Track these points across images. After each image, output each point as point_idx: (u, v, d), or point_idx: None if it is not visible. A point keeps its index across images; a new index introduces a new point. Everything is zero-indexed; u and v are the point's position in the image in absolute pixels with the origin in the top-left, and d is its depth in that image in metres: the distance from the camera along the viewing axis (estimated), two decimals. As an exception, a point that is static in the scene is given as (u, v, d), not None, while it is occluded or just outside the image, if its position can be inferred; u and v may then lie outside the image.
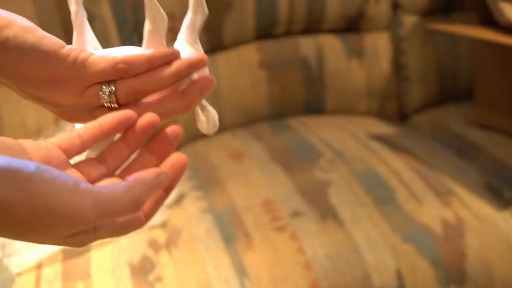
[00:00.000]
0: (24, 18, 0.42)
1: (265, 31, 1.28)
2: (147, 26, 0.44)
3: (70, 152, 0.40)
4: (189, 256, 0.90)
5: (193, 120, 1.24)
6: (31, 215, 0.32)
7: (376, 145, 1.14)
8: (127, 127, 0.41)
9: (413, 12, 1.37)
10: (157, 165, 0.41)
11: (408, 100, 1.40)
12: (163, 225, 0.99)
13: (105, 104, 0.43)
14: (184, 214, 1.00)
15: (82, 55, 0.42)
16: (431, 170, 1.06)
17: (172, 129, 0.41)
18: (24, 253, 0.88)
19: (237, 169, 1.08)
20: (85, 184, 0.34)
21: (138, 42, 1.18)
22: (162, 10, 0.43)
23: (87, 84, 0.42)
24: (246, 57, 1.28)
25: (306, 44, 1.31)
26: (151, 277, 0.87)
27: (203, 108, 0.46)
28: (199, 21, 0.45)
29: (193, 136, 1.25)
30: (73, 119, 0.44)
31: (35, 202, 0.32)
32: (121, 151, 0.41)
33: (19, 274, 0.87)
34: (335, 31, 1.35)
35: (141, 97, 0.43)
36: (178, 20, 1.18)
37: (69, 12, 1.21)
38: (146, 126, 0.41)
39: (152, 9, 0.43)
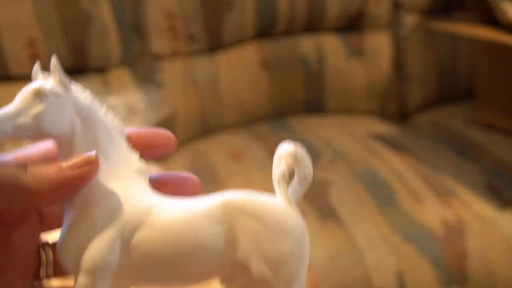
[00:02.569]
0: None
1: (265, 30, 1.28)
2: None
3: None
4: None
5: (194, 119, 1.24)
6: None
7: (376, 145, 1.14)
8: None
9: (413, 11, 1.37)
10: None
11: (408, 100, 1.39)
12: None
13: None
14: (184, 214, 0.99)
15: None
16: (432, 170, 1.06)
17: None
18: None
19: (237, 169, 1.08)
20: None
21: (137, 42, 1.17)
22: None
23: None
24: (246, 57, 1.28)
25: (306, 44, 1.31)
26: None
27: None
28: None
29: (193, 136, 1.25)
30: None
31: None
32: None
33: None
34: (336, 30, 1.35)
35: None
36: (178, 20, 1.18)
37: (68, 12, 1.20)
38: None
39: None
